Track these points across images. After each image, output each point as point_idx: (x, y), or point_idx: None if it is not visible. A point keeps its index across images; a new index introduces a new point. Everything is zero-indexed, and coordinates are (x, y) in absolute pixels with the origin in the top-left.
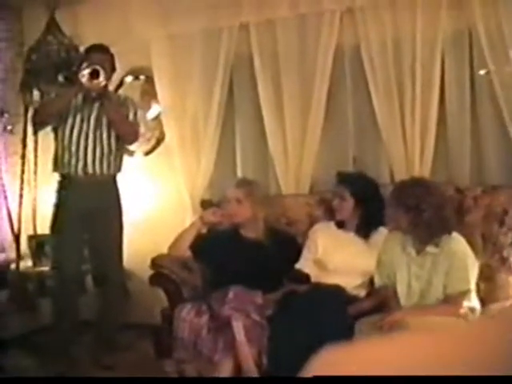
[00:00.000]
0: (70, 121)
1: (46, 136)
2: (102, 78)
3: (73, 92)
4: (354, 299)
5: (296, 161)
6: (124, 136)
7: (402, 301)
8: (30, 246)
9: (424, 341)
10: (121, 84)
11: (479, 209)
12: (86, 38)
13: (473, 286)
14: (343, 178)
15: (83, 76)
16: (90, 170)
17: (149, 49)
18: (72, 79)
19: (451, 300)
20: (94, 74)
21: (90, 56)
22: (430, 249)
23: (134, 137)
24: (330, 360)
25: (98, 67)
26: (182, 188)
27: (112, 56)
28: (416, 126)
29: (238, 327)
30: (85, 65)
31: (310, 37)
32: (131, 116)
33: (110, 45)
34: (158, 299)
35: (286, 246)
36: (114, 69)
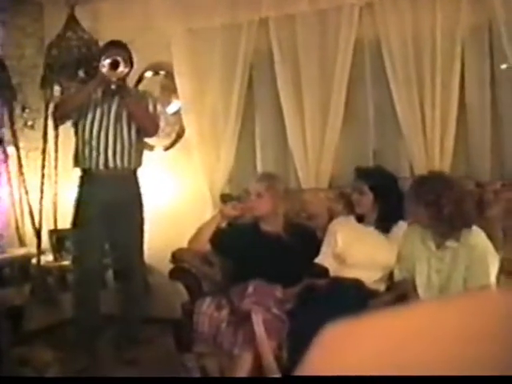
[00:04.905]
0: (90, 115)
1: (67, 131)
2: (122, 67)
3: (93, 85)
4: (373, 293)
5: (316, 155)
6: (145, 128)
7: (422, 294)
8: (50, 241)
9: (448, 309)
10: (140, 79)
11: (500, 203)
12: (106, 34)
13: (493, 280)
14: (362, 173)
15: (103, 66)
16: (110, 164)
17: (169, 44)
18: (93, 75)
19: None
20: (115, 64)
21: (108, 49)
22: (450, 243)
23: (155, 129)
24: (337, 336)
25: (118, 58)
26: (201, 182)
27: (130, 52)
28: (436, 120)
29: (258, 321)
30: (104, 56)
31: (329, 31)
32: (151, 108)
33: (130, 40)
34: (178, 293)
35: (305, 240)
36: (132, 65)
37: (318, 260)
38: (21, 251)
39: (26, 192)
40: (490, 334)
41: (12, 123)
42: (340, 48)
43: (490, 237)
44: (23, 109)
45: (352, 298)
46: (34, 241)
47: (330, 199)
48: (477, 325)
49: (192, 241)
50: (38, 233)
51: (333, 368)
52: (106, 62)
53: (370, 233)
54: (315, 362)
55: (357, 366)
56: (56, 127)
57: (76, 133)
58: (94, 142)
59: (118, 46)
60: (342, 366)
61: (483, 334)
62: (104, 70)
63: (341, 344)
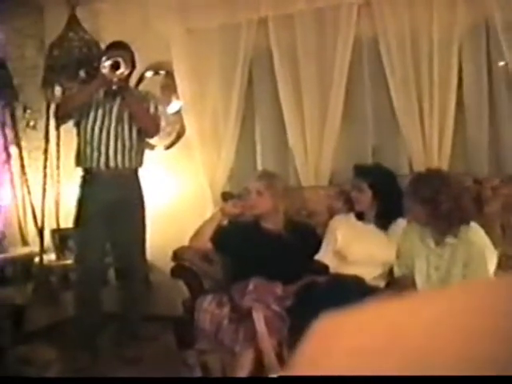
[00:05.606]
0: (91, 115)
1: (69, 131)
2: (123, 69)
3: (95, 85)
4: (373, 290)
5: (315, 153)
6: (146, 129)
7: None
8: (53, 240)
9: (447, 298)
10: (141, 79)
11: (498, 199)
12: (107, 35)
13: (491, 276)
14: (361, 170)
15: (104, 68)
16: (111, 164)
17: (168, 44)
18: (93, 75)
19: None
20: (115, 65)
21: (110, 50)
22: (449, 239)
23: (156, 130)
24: (330, 327)
25: (119, 59)
26: (202, 181)
27: (132, 53)
28: (434, 117)
29: (259, 318)
30: (105, 57)
31: (327, 30)
32: (152, 109)
33: (131, 41)
34: (180, 291)
35: (305, 237)
36: (134, 66)
37: (318, 257)
38: (23, 250)
39: (29, 191)
40: (493, 328)
41: (14, 123)
42: (338, 46)
43: (489, 233)
44: (25, 109)
45: (352, 295)
46: (37, 240)
47: (329, 197)
48: (475, 315)
49: (193, 239)
50: (40, 232)
51: (325, 360)
52: (107, 63)
53: (370, 230)
54: (308, 354)
55: (349, 358)
56: (58, 127)
57: (78, 133)
58: (95, 142)
59: (119, 47)
60: (334, 357)
61: (484, 327)
62: (104, 70)
63: (334, 335)
